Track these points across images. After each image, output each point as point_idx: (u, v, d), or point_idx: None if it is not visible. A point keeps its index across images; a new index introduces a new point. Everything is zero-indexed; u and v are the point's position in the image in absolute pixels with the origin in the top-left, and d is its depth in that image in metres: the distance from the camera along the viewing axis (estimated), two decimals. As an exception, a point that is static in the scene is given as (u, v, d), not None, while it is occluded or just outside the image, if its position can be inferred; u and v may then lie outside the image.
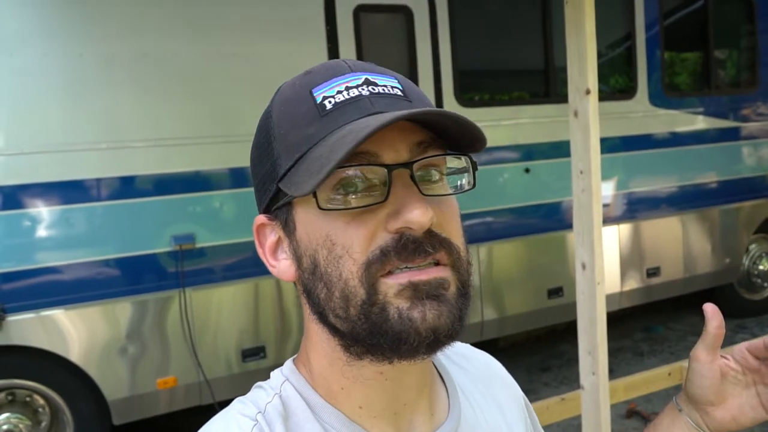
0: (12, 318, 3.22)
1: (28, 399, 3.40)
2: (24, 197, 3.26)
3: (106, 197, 3.41)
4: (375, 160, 0.59)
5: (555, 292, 4.62)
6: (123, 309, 3.45)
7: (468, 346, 0.84)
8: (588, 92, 2.19)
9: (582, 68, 2.15)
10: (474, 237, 4.21)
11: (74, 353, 3.35)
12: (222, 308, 3.70)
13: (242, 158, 3.73)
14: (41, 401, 3.42)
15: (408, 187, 0.59)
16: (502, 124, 4.44)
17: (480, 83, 4.62)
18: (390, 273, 0.58)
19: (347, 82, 0.62)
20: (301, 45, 3.82)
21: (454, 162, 0.65)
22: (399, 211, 0.58)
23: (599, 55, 5.00)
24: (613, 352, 5.01)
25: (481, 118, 4.29)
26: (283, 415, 0.64)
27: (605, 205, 4.80)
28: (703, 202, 5.24)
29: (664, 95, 5.05)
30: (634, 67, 4.92)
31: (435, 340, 0.58)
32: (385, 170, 0.59)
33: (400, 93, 0.63)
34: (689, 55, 5.49)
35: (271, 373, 0.70)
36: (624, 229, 4.91)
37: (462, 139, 0.63)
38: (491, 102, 4.56)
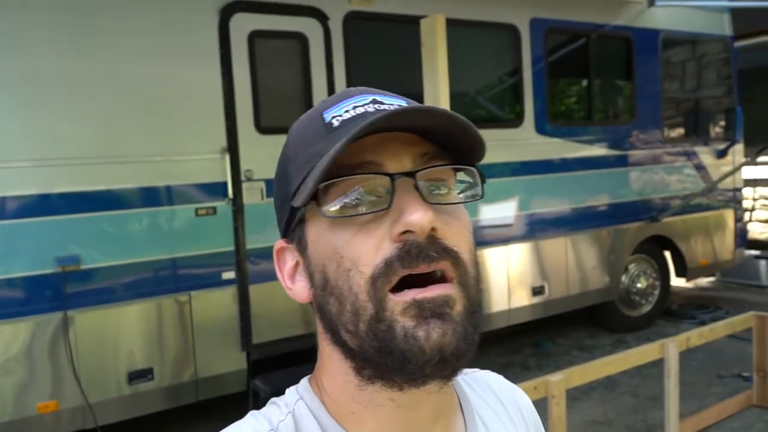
0: None
1: None
2: None
3: (-15, 218, 3.35)
4: (378, 170, 0.60)
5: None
6: (1, 332, 3.38)
7: (498, 377, 0.84)
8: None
9: (436, 103, 2.33)
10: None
11: (-54, 378, 3.25)
12: (107, 330, 3.66)
13: (127, 179, 3.70)
14: None
15: (411, 193, 0.59)
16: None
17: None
18: (397, 289, 0.58)
19: (355, 102, 0.65)
20: (194, 68, 3.86)
21: (463, 176, 0.65)
22: (400, 216, 0.58)
23: (490, 87, 5.32)
24: (503, 367, 5.26)
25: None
26: None
27: (494, 227, 5.05)
28: (584, 224, 5.59)
29: (549, 124, 5.39)
30: (521, 98, 5.24)
31: (441, 360, 0.57)
32: (389, 179, 0.60)
33: None
34: (573, 88, 5.89)
35: (287, 390, 0.70)
36: (511, 249, 5.17)
37: (462, 144, 0.63)
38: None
